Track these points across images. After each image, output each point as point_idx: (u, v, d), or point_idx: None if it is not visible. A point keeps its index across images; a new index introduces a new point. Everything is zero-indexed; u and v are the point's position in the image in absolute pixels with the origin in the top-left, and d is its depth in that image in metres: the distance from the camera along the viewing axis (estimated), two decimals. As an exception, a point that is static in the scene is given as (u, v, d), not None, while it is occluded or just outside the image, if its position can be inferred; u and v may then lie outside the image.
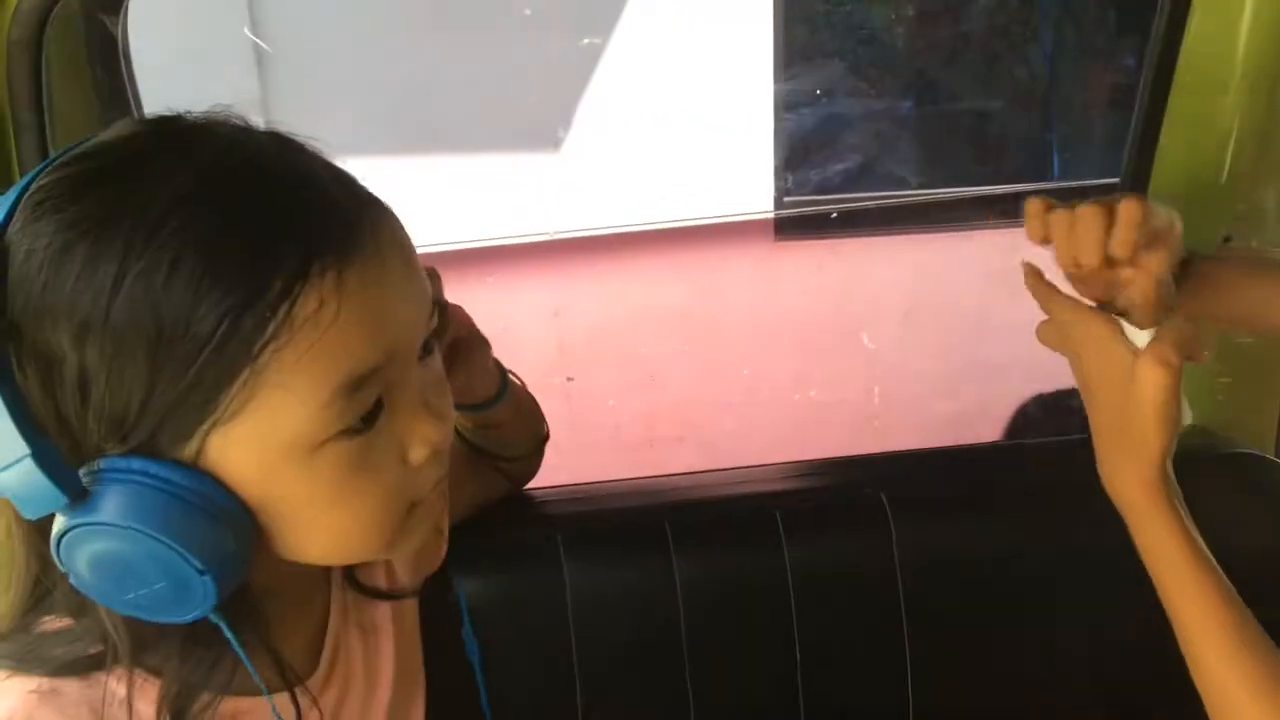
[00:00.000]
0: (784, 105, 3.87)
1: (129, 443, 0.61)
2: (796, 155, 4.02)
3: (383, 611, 0.87)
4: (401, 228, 0.67)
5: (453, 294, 0.84)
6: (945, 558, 1.17)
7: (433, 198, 3.20)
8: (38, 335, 0.60)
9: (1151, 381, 0.75)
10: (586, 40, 3.46)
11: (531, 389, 1.05)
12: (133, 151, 0.62)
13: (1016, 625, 1.19)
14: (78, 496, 0.60)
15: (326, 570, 0.82)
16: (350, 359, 0.62)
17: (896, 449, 1.35)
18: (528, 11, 3.40)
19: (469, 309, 0.94)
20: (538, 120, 3.60)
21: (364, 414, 0.64)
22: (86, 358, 0.60)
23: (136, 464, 0.61)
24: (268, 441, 0.62)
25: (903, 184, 4.08)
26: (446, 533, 0.91)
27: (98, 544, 0.61)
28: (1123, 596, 0.94)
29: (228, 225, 0.59)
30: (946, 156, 4.26)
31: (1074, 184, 4.11)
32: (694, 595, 1.12)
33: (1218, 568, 0.76)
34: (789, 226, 3.97)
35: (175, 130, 0.64)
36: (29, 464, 0.59)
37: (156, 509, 0.60)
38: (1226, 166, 1.22)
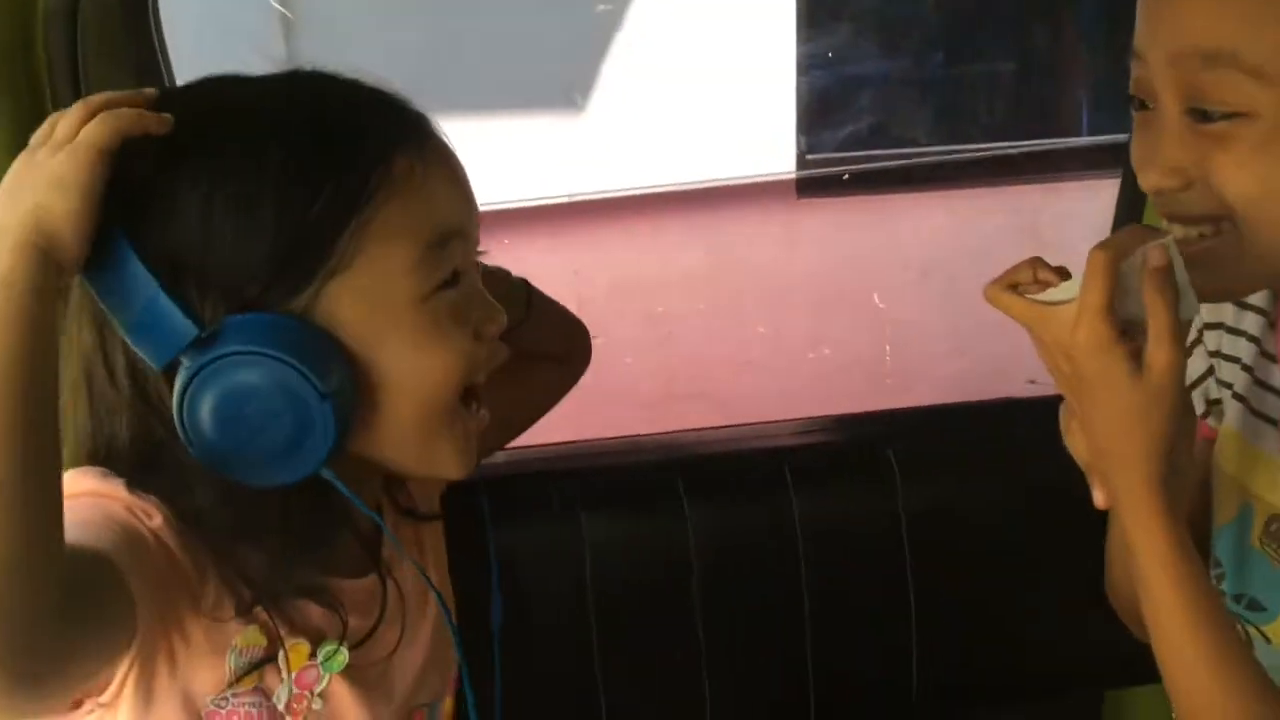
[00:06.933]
0: (806, 65, 3.86)
1: (244, 296, 0.70)
2: (819, 114, 4.02)
3: (425, 537, 0.93)
4: None
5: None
6: (949, 512, 1.21)
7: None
8: (170, 189, 0.70)
9: (1163, 368, 0.69)
10: (601, 7, 3.48)
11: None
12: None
13: (1018, 578, 1.22)
14: (206, 335, 0.68)
15: (376, 495, 0.88)
16: (437, 215, 0.76)
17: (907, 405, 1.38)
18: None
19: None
20: (558, 84, 3.62)
21: (451, 272, 0.76)
22: (214, 209, 0.70)
23: (253, 314, 0.70)
24: (379, 293, 0.73)
25: (924, 143, 4.07)
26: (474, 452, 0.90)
27: (225, 380, 0.68)
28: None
29: (330, 109, 0.76)
30: (973, 114, 4.24)
31: (1103, 139, 4.06)
32: (706, 546, 1.16)
33: (1202, 567, 0.75)
34: (811, 185, 3.98)
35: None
36: (162, 299, 0.68)
37: (280, 336, 0.69)
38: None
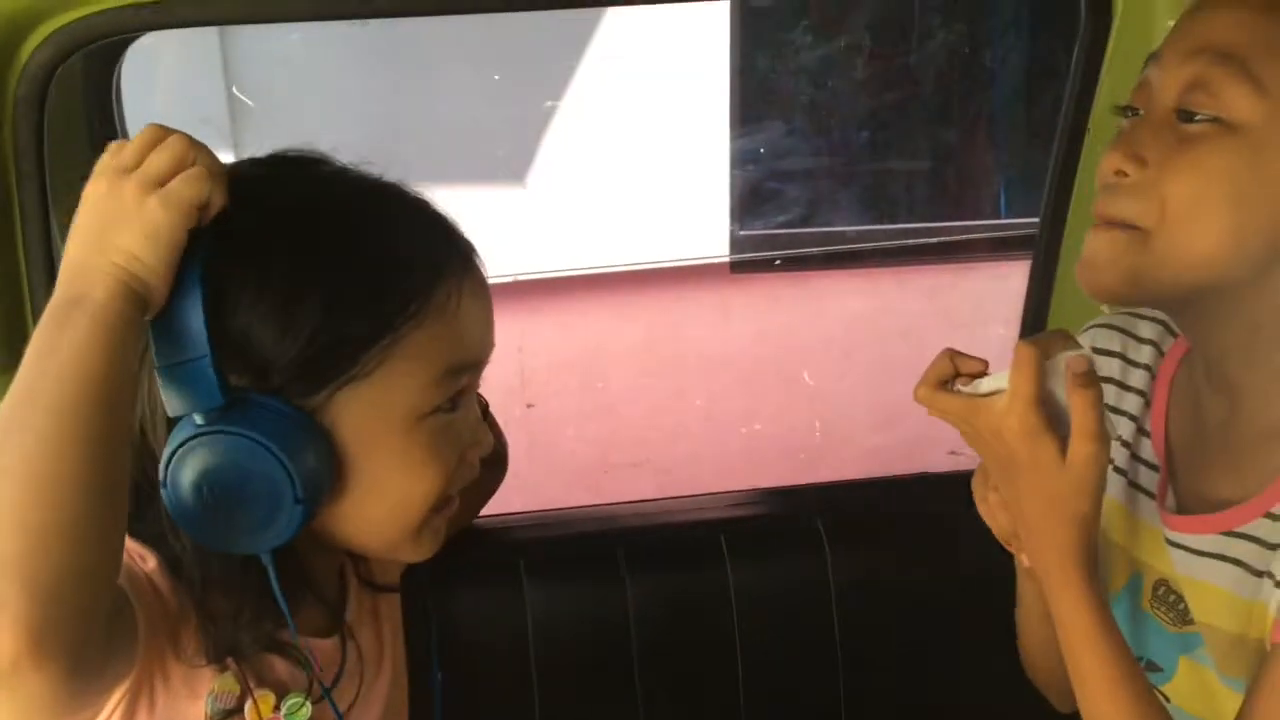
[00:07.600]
0: (740, 158, 4.00)
1: (267, 382, 0.73)
2: (751, 199, 4.14)
3: (381, 606, 0.97)
4: None
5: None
6: (876, 580, 1.27)
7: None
8: (233, 269, 0.72)
9: (1085, 459, 0.75)
10: (549, 103, 3.61)
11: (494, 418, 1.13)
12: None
13: (940, 641, 1.28)
14: (227, 405, 0.71)
15: (340, 561, 0.92)
16: (460, 348, 0.79)
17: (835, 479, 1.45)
18: (496, 76, 3.54)
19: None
20: (503, 169, 3.72)
21: (452, 398, 0.79)
22: (265, 301, 0.72)
23: (274, 400, 0.73)
24: (385, 406, 0.76)
25: (850, 225, 4.22)
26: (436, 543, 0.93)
27: (220, 452, 0.71)
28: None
29: (394, 233, 0.78)
30: (898, 200, 4.40)
31: (1017, 222, 4.24)
32: (644, 615, 1.21)
33: (1122, 637, 0.79)
34: (744, 261, 4.09)
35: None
36: (205, 364, 0.70)
37: (286, 434, 0.72)
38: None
